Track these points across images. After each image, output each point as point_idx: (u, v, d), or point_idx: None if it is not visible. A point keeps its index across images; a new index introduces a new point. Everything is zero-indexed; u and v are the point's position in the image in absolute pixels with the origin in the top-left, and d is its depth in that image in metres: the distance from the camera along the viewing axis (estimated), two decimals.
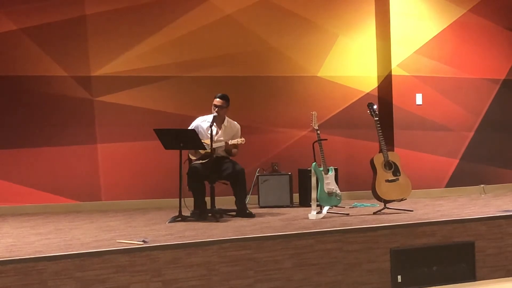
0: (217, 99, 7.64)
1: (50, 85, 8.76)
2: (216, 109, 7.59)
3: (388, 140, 8.48)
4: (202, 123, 7.73)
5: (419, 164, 9.31)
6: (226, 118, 7.77)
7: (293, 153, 9.17)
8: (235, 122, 7.84)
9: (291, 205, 8.62)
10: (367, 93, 9.49)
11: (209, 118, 7.64)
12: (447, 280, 6.33)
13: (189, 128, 7.72)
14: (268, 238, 5.85)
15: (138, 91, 8.97)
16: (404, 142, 9.28)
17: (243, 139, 7.53)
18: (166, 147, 7.44)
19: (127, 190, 8.91)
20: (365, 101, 8.63)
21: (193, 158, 7.61)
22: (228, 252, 5.65)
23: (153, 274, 5.37)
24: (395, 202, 7.68)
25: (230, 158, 7.70)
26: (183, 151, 7.32)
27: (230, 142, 7.55)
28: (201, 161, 7.45)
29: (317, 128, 7.58)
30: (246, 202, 7.88)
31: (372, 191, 7.67)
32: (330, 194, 7.41)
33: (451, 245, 6.42)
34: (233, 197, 7.64)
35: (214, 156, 7.44)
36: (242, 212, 7.55)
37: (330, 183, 7.45)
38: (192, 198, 7.47)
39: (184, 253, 5.50)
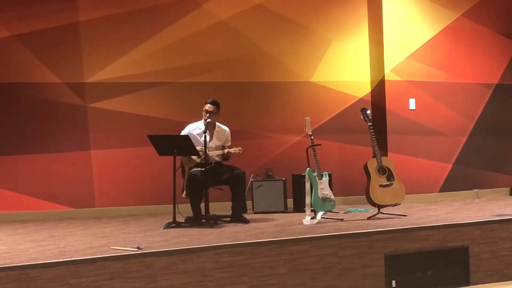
0: (208, 105, 7.60)
1: (44, 92, 8.73)
2: (208, 115, 7.54)
3: (381, 145, 8.49)
4: (194, 130, 7.70)
5: (413, 169, 9.31)
6: (217, 123, 7.75)
7: (287, 158, 9.16)
8: (225, 127, 7.82)
9: (285, 210, 8.62)
10: (361, 98, 9.50)
11: (200, 124, 7.63)
12: (441, 284, 6.35)
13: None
14: (262, 244, 5.85)
15: (131, 97, 8.96)
16: (398, 147, 9.29)
17: (240, 148, 7.52)
18: (160, 153, 7.43)
19: (121, 196, 8.89)
20: (359, 106, 8.65)
21: (187, 166, 7.59)
22: (223, 258, 5.65)
23: (147, 280, 5.37)
24: (389, 207, 7.68)
25: (224, 163, 7.70)
26: (177, 158, 7.32)
27: (226, 150, 7.55)
28: (200, 169, 7.43)
29: (310, 133, 7.59)
30: None
31: (366, 196, 7.68)
32: (324, 199, 7.41)
33: (445, 249, 6.43)
34: (227, 203, 7.63)
35: (213, 163, 7.43)
36: (239, 216, 7.52)
37: (324, 188, 7.45)
38: (186, 204, 7.43)
39: (179, 259, 5.50)
